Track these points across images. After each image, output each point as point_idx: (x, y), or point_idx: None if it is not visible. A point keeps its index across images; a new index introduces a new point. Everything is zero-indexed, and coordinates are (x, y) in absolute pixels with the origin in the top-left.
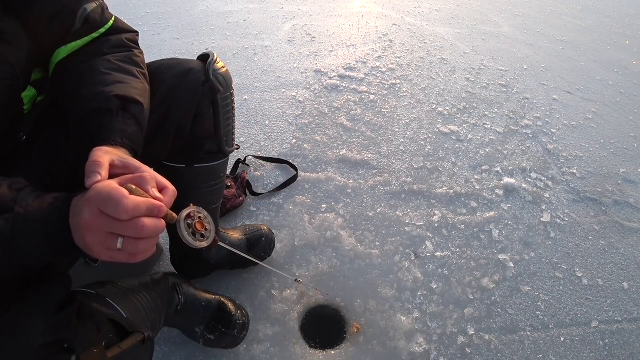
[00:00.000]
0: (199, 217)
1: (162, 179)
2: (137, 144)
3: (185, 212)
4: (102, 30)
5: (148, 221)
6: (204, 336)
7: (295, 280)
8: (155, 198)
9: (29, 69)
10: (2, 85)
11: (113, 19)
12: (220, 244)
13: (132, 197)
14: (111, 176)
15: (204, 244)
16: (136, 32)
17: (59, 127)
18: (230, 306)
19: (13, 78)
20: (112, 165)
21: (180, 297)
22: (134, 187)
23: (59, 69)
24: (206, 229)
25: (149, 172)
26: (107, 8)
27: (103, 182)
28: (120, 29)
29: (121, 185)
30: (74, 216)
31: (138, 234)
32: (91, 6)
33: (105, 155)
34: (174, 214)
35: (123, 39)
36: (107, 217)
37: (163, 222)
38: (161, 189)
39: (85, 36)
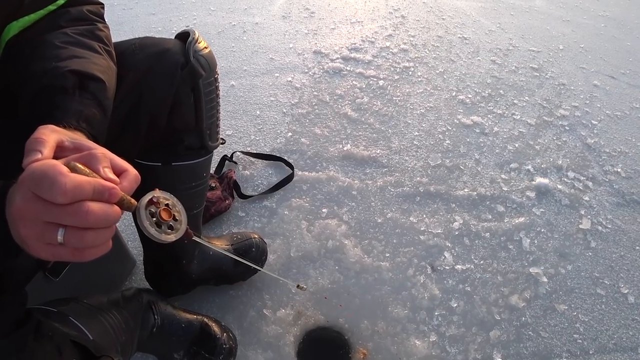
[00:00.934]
0: (166, 205)
1: (121, 160)
2: (97, 129)
3: (147, 197)
4: (60, 1)
5: (94, 206)
6: None
7: (297, 286)
8: (106, 179)
9: None
10: None
11: None
12: (196, 238)
13: (73, 175)
14: (58, 158)
15: (172, 237)
16: (101, 4)
17: (8, 117)
18: (215, 328)
19: None
20: (60, 147)
21: (156, 317)
22: (79, 165)
23: (9, 48)
24: (175, 219)
25: (103, 151)
26: None
27: (41, 161)
28: (81, 0)
29: (65, 165)
30: (9, 206)
31: (82, 222)
32: None
33: (52, 134)
34: (133, 200)
35: (84, 11)
36: (43, 201)
37: (116, 208)
38: (119, 172)
39: (40, 9)
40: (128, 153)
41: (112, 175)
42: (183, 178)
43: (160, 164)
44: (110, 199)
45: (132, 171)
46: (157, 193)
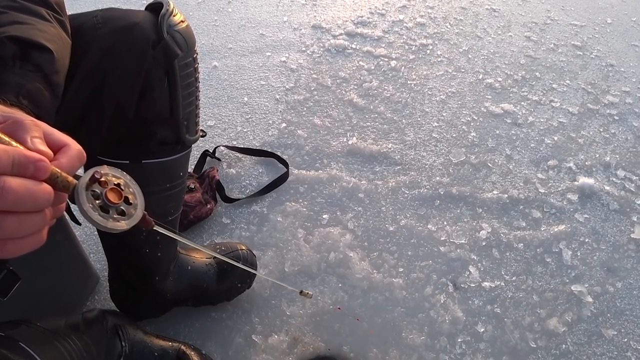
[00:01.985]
0: (116, 184)
1: (60, 134)
2: (42, 108)
3: (89, 174)
4: None
5: (14, 181)
6: None
7: (300, 292)
8: (35, 151)
9: None
10: None
11: None
12: (158, 228)
13: None
14: None
15: (123, 225)
16: None
17: None
18: (194, 357)
19: None
20: None
21: (123, 344)
22: (0, 134)
23: None
24: (128, 203)
25: (35, 122)
26: None
27: None
28: None
29: None
30: None
31: None
32: None
33: None
34: (71, 178)
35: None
36: None
37: (46, 186)
38: (57, 147)
39: None
40: (88, 149)
41: (43, 147)
42: (156, 178)
43: (128, 161)
44: (36, 173)
45: (75, 146)
46: (104, 169)
